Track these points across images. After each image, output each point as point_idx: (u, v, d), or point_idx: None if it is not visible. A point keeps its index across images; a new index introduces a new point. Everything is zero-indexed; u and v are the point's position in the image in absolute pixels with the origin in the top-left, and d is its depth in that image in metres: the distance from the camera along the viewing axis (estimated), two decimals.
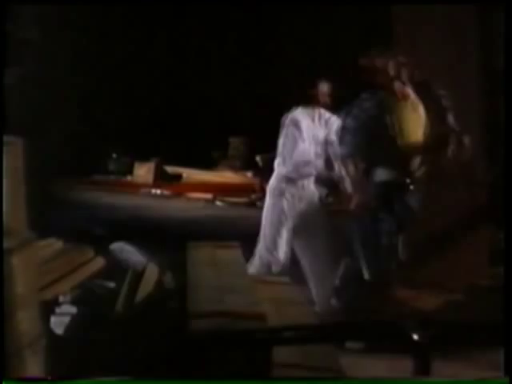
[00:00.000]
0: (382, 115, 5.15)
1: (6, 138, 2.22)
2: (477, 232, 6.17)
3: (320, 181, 6.02)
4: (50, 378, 2.24)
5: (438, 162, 5.15)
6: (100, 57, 11.00)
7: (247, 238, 6.10)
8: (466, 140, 5.03)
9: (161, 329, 3.26)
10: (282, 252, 5.67)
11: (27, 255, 2.25)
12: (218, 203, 9.96)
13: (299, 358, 2.89)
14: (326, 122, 5.72)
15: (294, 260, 5.76)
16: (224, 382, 2.25)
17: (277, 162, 5.79)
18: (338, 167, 5.52)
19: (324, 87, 5.76)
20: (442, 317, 4.92)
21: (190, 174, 10.97)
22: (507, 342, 2.32)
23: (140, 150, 10.95)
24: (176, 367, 2.59)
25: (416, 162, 5.13)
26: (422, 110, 5.18)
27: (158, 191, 10.64)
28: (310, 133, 5.67)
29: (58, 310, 3.52)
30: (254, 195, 9.46)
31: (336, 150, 5.45)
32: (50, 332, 3.09)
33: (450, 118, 5.11)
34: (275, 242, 5.70)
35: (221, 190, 10.27)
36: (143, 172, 11.24)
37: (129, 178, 11.38)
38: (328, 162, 5.72)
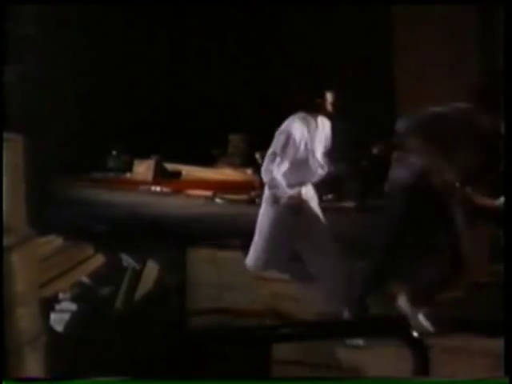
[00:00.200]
0: None
1: (5, 135, 2.22)
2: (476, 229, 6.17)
3: (318, 182, 6.03)
4: (49, 377, 2.24)
5: None
6: (100, 55, 10.99)
7: (247, 235, 6.10)
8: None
9: (160, 326, 3.26)
10: (281, 251, 5.65)
11: (27, 252, 2.25)
12: (218, 200, 9.95)
13: (299, 354, 2.89)
14: (324, 129, 5.75)
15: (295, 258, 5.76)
16: (224, 382, 2.25)
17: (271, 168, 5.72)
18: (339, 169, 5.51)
19: (329, 97, 5.79)
20: (442, 314, 4.92)
21: (190, 172, 10.96)
22: (507, 341, 2.32)
23: (139, 147, 10.94)
24: (175, 364, 2.59)
25: None
26: None
27: (158, 188, 10.63)
28: (308, 140, 5.68)
29: (57, 307, 3.52)
30: (253, 192, 9.45)
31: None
32: (49, 329, 3.09)
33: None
34: (274, 244, 5.66)
35: (220, 187, 10.26)
36: (143, 169, 11.22)
37: (128, 175, 11.37)
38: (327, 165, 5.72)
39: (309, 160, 5.63)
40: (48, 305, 3.30)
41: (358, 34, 10.30)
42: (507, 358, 2.30)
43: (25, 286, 2.19)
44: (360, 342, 4.40)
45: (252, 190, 9.62)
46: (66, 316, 3.46)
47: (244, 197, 9.68)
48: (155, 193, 10.59)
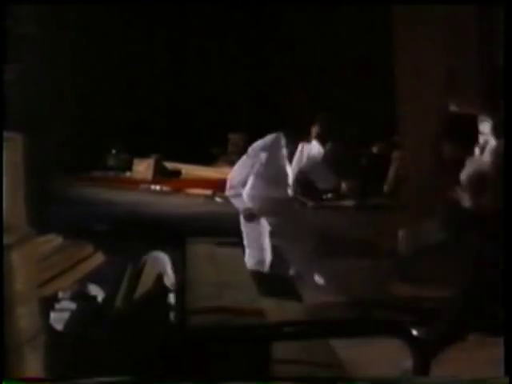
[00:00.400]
0: None
1: (5, 134, 2.22)
2: None
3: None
4: (49, 376, 2.24)
5: None
6: (99, 54, 10.99)
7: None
8: None
9: (160, 325, 3.26)
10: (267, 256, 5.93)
11: (26, 251, 2.25)
12: (218, 199, 9.95)
13: (298, 353, 2.89)
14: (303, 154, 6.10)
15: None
16: (223, 381, 2.25)
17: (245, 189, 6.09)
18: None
19: (317, 127, 6.09)
20: (442, 313, 4.92)
21: (190, 170, 10.97)
22: (507, 341, 2.32)
23: (139, 146, 10.94)
24: (175, 363, 2.59)
25: None
26: None
27: (158, 187, 10.63)
28: (280, 160, 5.98)
29: (57, 305, 3.52)
30: None
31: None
32: (49, 328, 3.09)
33: None
34: (260, 248, 5.96)
35: (220, 186, 10.25)
36: (142, 168, 11.23)
37: (128, 174, 11.38)
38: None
39: (278, 179, 5.93)
40: (48, 304, 3.30)
41: (357, 34, 10.31)
42: (507, 358, 2.30)
43: (24, 285, 2.19)
44: None
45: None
46: (66, 315, 3.46)
47: None
48: (155, 192, 10.59)
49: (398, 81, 6.87)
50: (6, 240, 2.13)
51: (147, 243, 5.29)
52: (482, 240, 4.99)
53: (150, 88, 11.42)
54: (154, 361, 2.78)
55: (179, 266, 3.89)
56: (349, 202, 9.97)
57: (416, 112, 6.62)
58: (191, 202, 9.96)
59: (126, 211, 8.91)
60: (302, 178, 6.45)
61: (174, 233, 6.12)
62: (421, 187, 6.44)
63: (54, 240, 4.32)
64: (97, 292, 3.84)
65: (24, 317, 2.17)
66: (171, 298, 3.64)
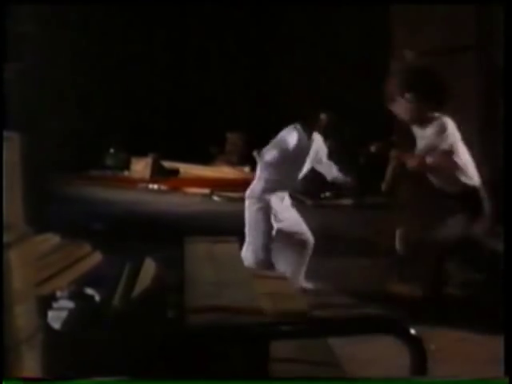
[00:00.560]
0: None
1: (4, 133, 2.22)
2: None
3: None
4: (48, 376, 2.23)
5: None
6: (98, 53, 11.00)
7: (244, 232, 6.12)
8: None
9: (158, 324, 3.26)
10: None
11: (24, 250, 2.25)
12: (215, 198, 9.97)
13: (297, 352, 2.89)
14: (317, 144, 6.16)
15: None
16: (222, 380, 2.25)
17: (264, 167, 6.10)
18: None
19: (324, 119, 6.17)
20: (439, 311, 4.93)
21: (187, 169, 10.97)
22: (507, 341, 2.32)
23: (137, 145, 10.95)
24: (173, 362, 2.59)
25: None
26: None
27: (155, 186, 10.64)
28: (299, 152, 6.03)
29: (55, 304, 3.51)
30: None
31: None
32: (47, 327, 3.08)
33: None
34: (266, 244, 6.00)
35: (218, 184, 10.28)
36: (140, 167, 11.24)
37: (126, 173, 11.38)
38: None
39: (295, 171, 5.98)
40: (45, 303, 3.29)
41: (357, 34, 10.32)
42: (507, 358, 2.29)
43: (22, 284, 2.19)
44: None
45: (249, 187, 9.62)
46: (64, 314, 3.46)
47: (241, 194, 9.67)
48: (153, 190, 10.60)
49: None
50: (3, 239, 2.13)
51: (145, 242, 5.30)
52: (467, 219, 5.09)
53: (149, 87, 11.44)
54: (152, 359, 2.78)
55: (177, 265, 3.88)
56: (347, 201, 9.98)
57: None
58: (189, 200, 9.98)
59: (124, 210, 8.91)
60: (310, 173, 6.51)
61: (171, 231, 6.13)
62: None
63: (52, 239, 4.31)
64: (94, 291, 3.83)
65: (22, 316, 2.16)
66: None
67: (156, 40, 11.63)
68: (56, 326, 3.35)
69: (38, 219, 2.67)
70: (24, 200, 2.30)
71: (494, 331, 3.32)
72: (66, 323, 3.39)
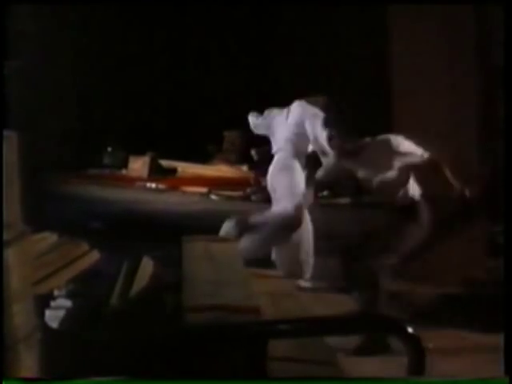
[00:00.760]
0: None
1: (4, 133, 2.21)
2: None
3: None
4: (47, 376, 2.23)
5: None
6: (97, 52, 10.98)
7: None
8: None
9: (156, 322, 3.25)
10: None
11: (22, 249, 2.24)
12: (214, 197, 9.95)
13: (296, 351, 2.88)
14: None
15: None
16: (222, 379, 2.24)
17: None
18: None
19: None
20: (438, 310, 4.93)
21: (185, 168, 10.95)
22: (507, 341, 2.31)
23: (135, 143, 10.93)
24: (171, 361, 2.58)
25: None
26: None
27: (153, 185, 10.62)
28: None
29: (52, 303, 3.51)
30: (249, 189, 9.46)
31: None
32: (44, 326, 3.08)
33: None
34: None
35: (216, 183, 10.26)
36: (138, 166, 11.21)
37: (123, 171, 11.36)
38: None
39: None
40: (43, 302, 3.29)
41: (357, 34, 10.30)
42: (507, 358, 2.29)
43: (20, 283, 2.18)
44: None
45: (248, 186, 9.62)
46: (61, 313, 3.45)
47: (239, 193, 9.68)
48: (151, 189, 10.58)
49: (397, 80, 6.89)
50: (1, 237, 2.13)
51: (143, 240, 5.29)
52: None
53: (147, 86, 11.41)
54: (149, 358, 2.77)
55: (175, 264, 3.88)
56: (344, 200, 9.97)
57: (414, 111, 6.63)
58: (187, 199, 9.96)
59: (122, 209, 8.90)
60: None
61: (169, 230, 6.12)
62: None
63: (49, 238, 4.30)
64: (92, 290, 3.83)
65: (19, 315, 2.16)
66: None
67: (155, 39, 11.60)
68: (54, 324, 3.35)
69: (35, 218, 2.66)
70: (22, 199, 2.30)
71: (493, 331, 3.32)
72: (63, 322, 3.38)
